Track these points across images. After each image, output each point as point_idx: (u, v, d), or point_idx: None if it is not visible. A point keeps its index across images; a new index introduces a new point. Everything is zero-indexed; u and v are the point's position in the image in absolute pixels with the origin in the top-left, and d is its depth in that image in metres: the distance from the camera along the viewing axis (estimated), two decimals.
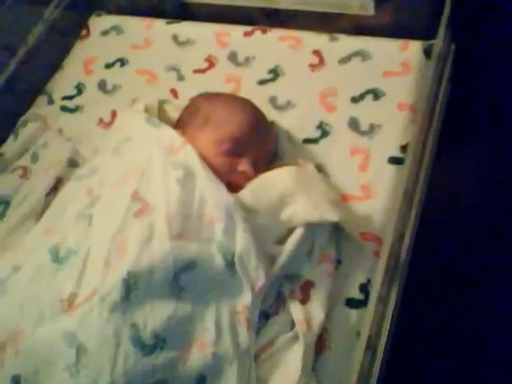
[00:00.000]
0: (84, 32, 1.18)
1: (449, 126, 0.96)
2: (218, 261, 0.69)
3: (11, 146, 1.03)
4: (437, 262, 1.00)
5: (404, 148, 0.86)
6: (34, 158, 1.00)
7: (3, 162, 1.01)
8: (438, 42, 0.80)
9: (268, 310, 0.73)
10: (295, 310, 0.71)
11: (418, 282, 0.89)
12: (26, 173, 0.98)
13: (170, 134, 0.79)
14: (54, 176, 0.94)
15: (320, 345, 0.71)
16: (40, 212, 0.90)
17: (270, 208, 0.76)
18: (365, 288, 0.76)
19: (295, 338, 0.70)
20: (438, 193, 0.93)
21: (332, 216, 0.75)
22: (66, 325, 0.65)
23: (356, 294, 0.76)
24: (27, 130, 1.04)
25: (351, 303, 0.76)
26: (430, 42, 0.92)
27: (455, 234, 1.01)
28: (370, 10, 0.97)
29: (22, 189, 0.95)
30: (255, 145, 0.81)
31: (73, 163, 0.96)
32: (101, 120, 1.03)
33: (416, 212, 0.83)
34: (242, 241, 0.70)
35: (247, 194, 0.76)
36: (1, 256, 0.80)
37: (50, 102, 1.09)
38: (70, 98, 1.09)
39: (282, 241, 0.75)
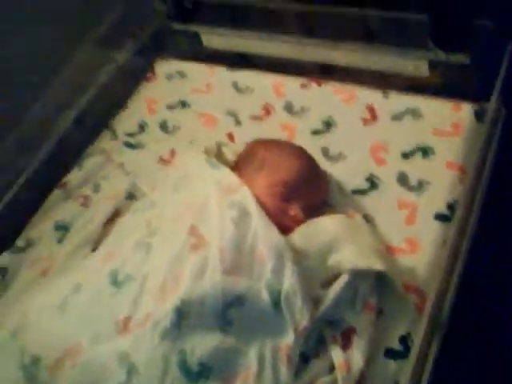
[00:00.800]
0: (150, 75, 1.27)
1: (495, 189, 0.97)
2: (265, 298, 0.72)
3: (75, 175, 1.10)
4: (475, 320, 1.00)
5: (451, 206, 0.88)
6: (95, 189, 1.07)
7: (67, 191, 1.08)
8: (491, 106, 0.83)
9: (309, 352, 0.75)
10: (336, 354, 0.73)
11: (457, 339, 0.90)
12: (86, 202, 1.05)
13: (227, 175, 0.84)
14: (112, 207, 1.00)
15: None
16: (97, 240, 0.96)
17: (318, 252, 0.79)
18: (404, 340, 0.77)
19: (334, 381, 0.72)
20: (482, 252, 0.94)
21: (377, 265, 0.77)
22: (120, 345, 0.69)
23: (396, 345, 0.77)
24: (91, 162, 1.11)
25: (390, 354, 0.77)
26: (482, 105, 0.96)
27: (496, 295, 1.02)
28: (424, 71, 1.01)
29: (82, 216, 1.02)
30: (307, 191, 0.85)
31: (131, 196, 1.02)
32: (160, 158, 1.09)
33: (460, 270, 0.84)
34: (289, 281, 0.73)
35: (296, 237, 0.80)
36: (63, 276, 0.86)
37: (114, 137, 1.16)
38: (133, 135, 1.16)
39: (327, 285, 0.77)
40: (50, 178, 1.10)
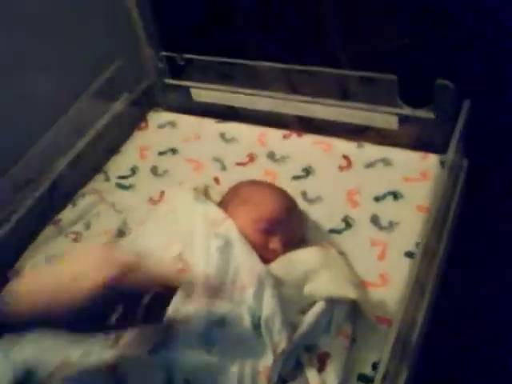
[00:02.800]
0: (143, 124, 1.36)
1: (460, 230, 1.06)
2: (246, 321, 0.78)
3: (69, 213, 1.16)
4: (448, 350, 1.06)
5: (419, 244, 0.96)
6: (87, 226, 1.13)
7: (59, 227, 1.14)
8: (449, 156, 0.93)
9: (286, 375, 0.79)
10: (311, 376, 0.78)
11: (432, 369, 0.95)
12: (78, 237, 1.11)
13: (213, 209, 0.91)
14: (102, 243, 1.06)
15: None
16: None
17: (295, 281, 0.85)
18: (377, 366, 0.82)
19: None
20: (451, 288, 1.01)
21: (351, 294, 0.83)
22: (108, 357, 0.73)
23: (368, 371, 0.82)
24: (84, 201, 1.18)
25: (363, 379, 0.81)
26: (445, 155, 1.06)
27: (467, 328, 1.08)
28: (394, 125, 1.12)
29: None
30: (286, 227, 0.91)
31: (121, 233, 1.08)
32: (150, 198, 1.16)
33: (428, 302, 0.91)
34: (268, 306, 0.78)
35: (275, 267, 0.86)
36: None
37: (107, 179, 1.24)
38: (125, 177, 1.23)
39: (304, 312, 0.83)
40: (44, 215, 1.16)
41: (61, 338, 0.73)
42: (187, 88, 1.34)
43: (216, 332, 0.76)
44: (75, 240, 1.10)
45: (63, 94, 1.25)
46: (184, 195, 0.97)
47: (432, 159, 1.10)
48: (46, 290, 0.62)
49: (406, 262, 0.95)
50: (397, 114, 1.10)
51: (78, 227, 1.13)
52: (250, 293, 0.79)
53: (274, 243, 0.89)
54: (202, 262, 0.82)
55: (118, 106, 1.35)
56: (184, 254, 0.84)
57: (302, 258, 0.87)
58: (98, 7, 1.34)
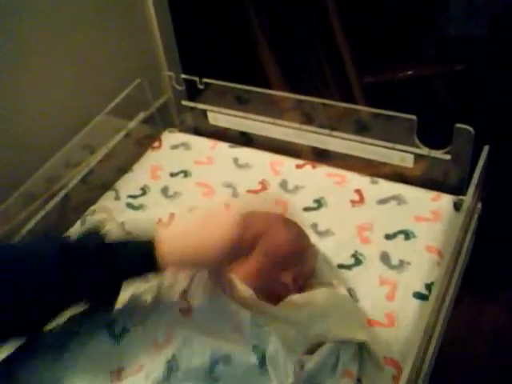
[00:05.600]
0: (156, 144, 1.36)
1: (470, 273, 1.05)
2: (252, 358, 0.77)
3: (77, 230, 1.15)
4: None
5: (428, 286, 0.95)
6: None
7: None
8: (468, 199, 0.92)
9: None
10: None
11: None
12: None
13: None
14: None
15: None
16: None
17: (303, 322, 0.84)
18: None
19: None
20: (457, 331, 1.00)
21: (359, 336, 0.83)
22: None
23: None
24: (94, 218, 1.17)
25: None
26: (460, 197, 1.05)
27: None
28: (409, 162, 1.12)
29: None
30: (298, 261, 0.91)
31: None
32: (160, 220, 1.15)
33: (435, 346, 0.90)
34: (273, 344, 0.77)
35: (284, 306, 0.86)
36: None
37: (117, 197, 1.24)
38: (135, 197, 1.23)
39: (311, 352, 0.82)
40: (52, 230, 1.15)
41: None
42: (203, 111, 1.34)
43: (220, 369, 0.75)
44: None
45: (82, 111, 1.26)
46: None
47: (445, 200, 1.09)
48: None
49: (415, 303, 0.94)
50: (413, 153, 1.10)
51: None
52: (251, 334, 0.78)
53: (286, 277, 0.89)
54: (203, 303, 0.82)
55: (133, 124, 1.35)
56: (189, 292, 0.83)
57: (313, 299, 0.87)
58: (122, 28, 1.35)
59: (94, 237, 0.75)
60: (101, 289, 0.75)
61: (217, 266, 0.83)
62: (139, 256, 0.73)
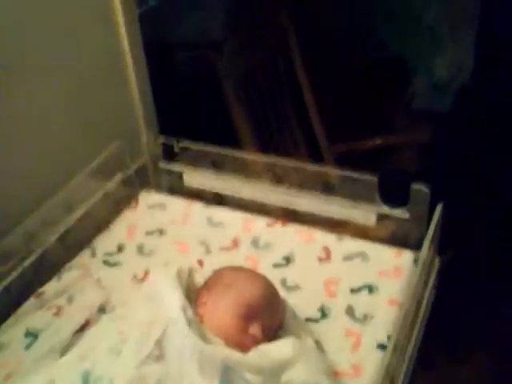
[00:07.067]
0: (133, 204, 1.41)
1: (433, 325, 1.10)
2: None
3: (53, 286, 1.18)
4: None
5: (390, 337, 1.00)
6: (70, 300, 1.14)
7: (42, 300, 1.15)
8: (422, 254, 0.99)
9: None
10: None
11: None
12: (59, 312, 1.12)
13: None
14: (83, 317, 1.08)
15: None
16: (65, 348, 1.02)
17: (272, 370, 0.87)
18: None
19: None
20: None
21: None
22: None
23: None
24: (70, 275, 1.20)
25: None
26: (419, 253, 1.12)
27: None
28: (371, 221, 1.19)
29: (53, 325, 1.08)
30: (267, 313, 0.95)
31: (102, 309, 1.11)
32: (134, 276, 1.19)
33: None
34: None
35: (253, 355, 0.89)
36: (36, 372, 0.91)
37: (94, 255, 1.27)
38: (111, 254, 1.27)
39: None
40: (28, 287, 1.17)
41: None
42: (180, 173, 1.41)
43: None
44: (56, 314, 1.11)
45: (58, 170, 1.30)
46: (164, 279, 1.00)
47: (406, 256, 1.16)
48: None
49: (379, 354, 0.98)
50: (375, 212, 1.18)
51: (61, 301, 1.15)
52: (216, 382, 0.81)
53: (255, 329, 0.92)
54: (177, 352, 0.85)
55: (111, 184, 1.41)
56: (163, 341, 0.87)
57: (280, 348, 0.91)
58: (101, 91, 1.43)
59: None
60: None
61: None
62: None
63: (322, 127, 1.86)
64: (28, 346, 1.05)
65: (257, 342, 0.92)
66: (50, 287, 1.18)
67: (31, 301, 1.15)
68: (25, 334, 1.07)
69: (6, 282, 1.15)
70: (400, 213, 1.15)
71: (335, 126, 1.85)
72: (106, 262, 1.25)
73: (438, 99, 2.18)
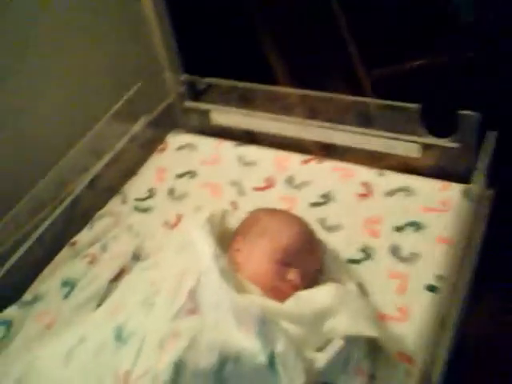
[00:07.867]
0: (162, 146, 1.36)
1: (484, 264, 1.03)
2: (261, 358, 0.76)
3: (85, 235, 1.16)
4: None
5: (440, 277, 0.93)
6: (103, 248, 1.12)
7: (76, 249, 1.14)
8: (475, 187, 0.90)
9: None
10: None
11: None
12: (94, 260, 1.10)
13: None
14: (118, 266, 1.05)
15: None
16: (102, 296, 1.00)
17: (312, 319, 0.83)
18: None
19: None
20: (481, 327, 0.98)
21: (370, 332, 0.81)
22: None
23: None
24: (101, 223, 1.18)
25: None
26: (469, 185, 1.03)
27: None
28: (415, 152, 1.10)
29: (89, 274, 1.06)
30: (304, 257, 0.90)
31: (136, 256, 1.08)
32: (166, 222, 1.15)
33: (450, 340, 0.88)
34: (282, 343, 0.76)
35: (292, 303, 0.84)
36: (69, 328, 0.90)
37: (124, 201, 1.23)
38: (142, 199, 1.23)
39: (321, 350, 0.81)
40: (61, 236, 1.15)
41: None
42: (207, 112, 1.34)
43: (228, 370, 0.74)
44: (91, 263, 1.09)
45: (84, 116, 1.26)
46: (195, 228, 0.94)
47: (454, 188, 1.07)
48: None
49: (427, 296, 0.92)
50: (419, 143, 1.08)
51: (94, 249, 1.12)
52: (257, 333, 0.77)
53: (293, 274, 0.88)
54: (211, 304, 0.80)
55: (137, 127, 1.35)
56: (196, 292, 0.82)
57: (319, 295, 0.85)
58: (121, 31, 1.35)
59: None
60: None
61: None
62: None
63: (358, 51, 1.72)
64: (66, 295, 1.04)
65: (295, 288, 0.87)
66: (83, 236, 1.16)
67: (65, 250, 1.14)
68: (62, 284, 1.06)
69: (39, 232, 1.13)
70: (447, 142, 1.05)
71: (373, 49, 1.70)
72: (136, 208, 1.21)
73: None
